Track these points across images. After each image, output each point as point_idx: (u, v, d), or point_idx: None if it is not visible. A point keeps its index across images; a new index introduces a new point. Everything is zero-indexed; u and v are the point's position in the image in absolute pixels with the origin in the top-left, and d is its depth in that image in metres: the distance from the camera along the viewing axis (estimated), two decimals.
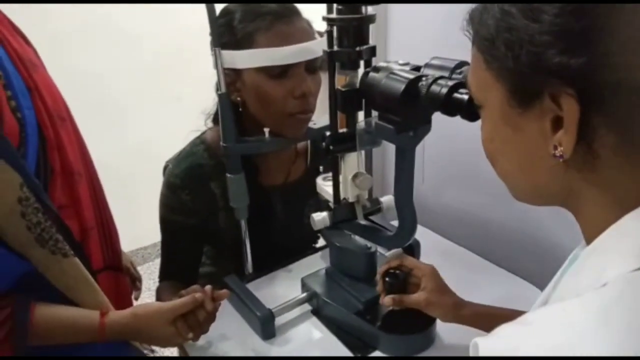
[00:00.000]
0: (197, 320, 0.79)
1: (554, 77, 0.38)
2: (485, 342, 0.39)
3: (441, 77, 0.60)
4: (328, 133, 0.81)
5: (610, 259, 0.39)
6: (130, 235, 2.19)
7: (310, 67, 0.90)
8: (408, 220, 0.80)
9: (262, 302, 0.91)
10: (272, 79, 0.87)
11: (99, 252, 0.85)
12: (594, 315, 0.35)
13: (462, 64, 0.64)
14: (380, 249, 0.97)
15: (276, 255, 1.09)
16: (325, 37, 0.75)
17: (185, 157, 0.99)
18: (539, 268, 1.05)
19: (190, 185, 0.97)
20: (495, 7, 0.41)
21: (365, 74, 0.73)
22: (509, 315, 0.81)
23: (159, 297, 1.02)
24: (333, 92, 0.78)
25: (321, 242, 1.21)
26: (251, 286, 0.99)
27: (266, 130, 0.92)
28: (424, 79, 0.62)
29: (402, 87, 0.62)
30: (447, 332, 0.86)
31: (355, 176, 0.84)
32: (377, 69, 0.71)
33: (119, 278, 0.93)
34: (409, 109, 0.63)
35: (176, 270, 1.05)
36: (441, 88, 0.58)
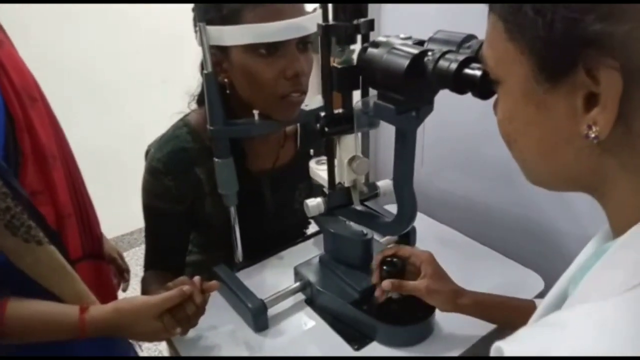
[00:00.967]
0: (185, 315, 0.75)
1: (592, 47, 0.33)
2: (510, 347, 0.35)
3: (449, 52, 0.55)
4: (323, 114, 0.76)
5: None
6: (116, 221, 2.15)
7: (302, 45, 0.84)
8: (408, 206, 0.76)
9: (253, 292, 0.87)
10: (262, 58, 0.81)
11: (77, 240, 0.80)
12: (633, 319, 0.31)
13: (469, 37, 0.59)
14: (376, 236, 0.93)
15: (266, 242, 1.05)
16: (318, 13, 0.69)
17: (168, 140, 0.93)
18: (539, 254, 1.03)
19: (173, 170, 0.91)
20: None
21: (364, 49, 0.68)
22: (510, 303, 0.78)
23: (144, 288, 0.97)
24: (328, 70, 0.73)
25: (312, 228, 1.17)
26: (241, 275, 0.95)
27: (255, 112, 0.86)
28: (429, 53, 0.57)
29: (406, 62, 0.57)
30: (446, 323, 0.83)
31: (351, 160, 0.79)
32: (376, 44, 0.65)
33: (101, 267, 0.88)
34: (414, 87, 0.58)
35: (162, 259, 1.01)
36: (450, 63, 0.53)
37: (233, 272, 0.95)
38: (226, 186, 0.88)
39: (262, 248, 1.04)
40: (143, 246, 2.28)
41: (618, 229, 0.39)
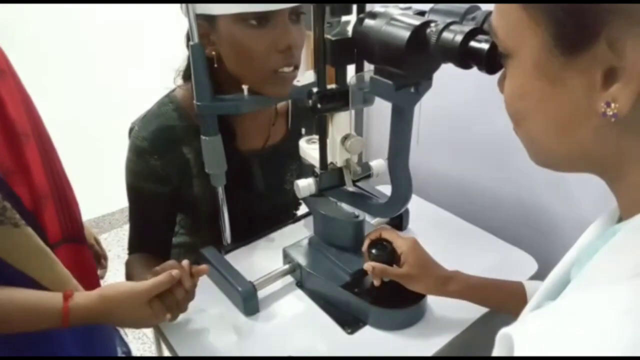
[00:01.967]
0: (174, 300, 0.72)
1: (619, 14, 0.30)
2: (518, 330, 0.33)
3: (453, 23, 0.52)
4: (315, 89, 0.72)
5: None
6: (97, 201, 2.09)
7: (295, 16, 0.79)
8: (403, 187, 0.73)
9: (242, 275, 0.84)
10: (252, 29, 0.76)
11: (55, 222, 0.75)
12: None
13: (474, 8, 0.55)
14: (367, 217, 0.90)
15: (256, 224, 1.02)
16: None
17: (153, 118, 0.88)
18: (532, 235, 1.02)
19: (159, 148, 0.87)
20: None
21: (360, 20, 0.64)
22: (501, 285, 0.77)
23: (128, 272, 0.93)
24: (322, 42, 0.68)
25: (303, 209, 1.14)
26: (230, 258, 0.92)
27: (245, 87, 0.81)
28: (432, 24, 0.53)
29: (407, 34, 0.54)
30: (438, 306, 0.82)
31: (345, 138, 0.76)
32: (373, 15, 0.61)
33: (81, 251, 0.84)
34: (415, 62, 0.55)
35: (147, 242, 0.97)
36: (455, 35, 0.50)
37: (221, 254, 0.92)
38: (214, 165, 0.84)
39: (251, 230, 1.01)
40: (125, 227, 2.24)
41: (628, 213, 0.37)
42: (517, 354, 0.31)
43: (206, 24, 0.78)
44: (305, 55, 0.72)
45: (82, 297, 0.68)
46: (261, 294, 0.84)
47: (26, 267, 0.67)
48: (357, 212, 0.86)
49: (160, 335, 0.83)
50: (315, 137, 0.81)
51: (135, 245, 0.97)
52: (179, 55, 0.89)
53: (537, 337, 0.32)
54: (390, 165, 0.72)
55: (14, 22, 1.82)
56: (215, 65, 0.82)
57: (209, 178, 0.86)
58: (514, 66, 0.39)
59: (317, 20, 0.68)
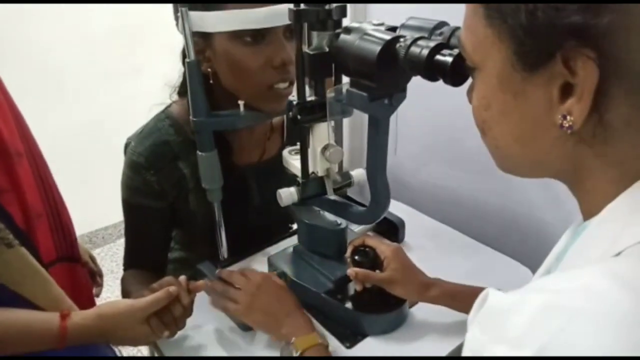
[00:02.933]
0: (172, 317, 0.72)
1: (572, 37, 0.33)
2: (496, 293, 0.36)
3: (421, 38, 0.55)
4: (295, 102, 0.75)
5: (623, 227, 0.35)
6: (90, 217, 2.08)
7: (290, 32, 0.80)
8: (381, 195, 0.76)
9: None
10: (247, 46, 0.78)
11: (49, 241, 0.76)
12: (610, 280, 0.31)
13: (442, 24, 0.58)
14: (351, 226, 0.92)
15: (252, 238, 1.01)
16: None
17: (149, 133, 0.89)
18: (521, 244, 1.04)
19: (155, 164, 0.88)
20: None
21: (336, 35, 0.66)
22: (479, 292, 0.79)
23: (124, 289, 0.93)
24: (300, 56, 0.71)
25: None
26: None
27: (240, 103, 0.83)
28: (401, 39, 0.56)
29: (377, 49, 0.56)
30: (420, 310, 0.84)
31: (324, 148, 0.78)
32: (348, 30, 0.64)
33: (76, 269, 0.84)
34: (386, 74, 0.58)
35: (143, 258, 0.97)
36: (422, 49, 0.53)
37: (218, 268, 0.93)
38: (210, 181, 0.85)
39: (247, 244, 1.01)
40: (118, 242, 2.23)
41: (589, 214, 0.40)
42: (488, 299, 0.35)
43: (202, 40, 0.80)
44: None
45: (80, 316, 0.68)
46: None
47: (20, 287, 0.66)
48: (339, 220, 0.88)
49: (157, 351, 0.82)
50: (298, 147, 0.84)
51: (131, 261, 0.97)
52: (176, 69, 0.91)
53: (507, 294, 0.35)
54: (368, 173, 0.74)
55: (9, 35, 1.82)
56: (211, 82, 0.83)
57: (205, 192, 0.87)
58: (480, 79, 0.41)
59: (296, 34, 0.70)
